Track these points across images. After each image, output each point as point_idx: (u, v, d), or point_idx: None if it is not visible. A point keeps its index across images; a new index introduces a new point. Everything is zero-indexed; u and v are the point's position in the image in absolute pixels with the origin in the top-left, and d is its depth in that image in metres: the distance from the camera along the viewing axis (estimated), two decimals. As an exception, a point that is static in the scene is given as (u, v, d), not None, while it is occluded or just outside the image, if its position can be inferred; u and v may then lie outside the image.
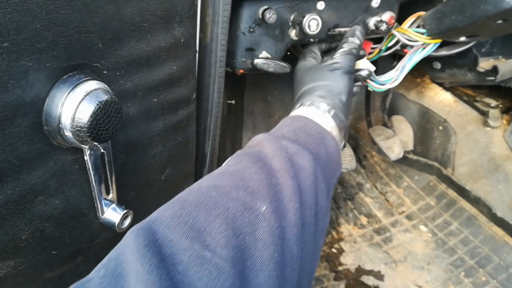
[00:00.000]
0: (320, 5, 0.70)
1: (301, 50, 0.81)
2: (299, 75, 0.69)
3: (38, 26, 0.36)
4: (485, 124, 1.25)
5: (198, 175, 0.68)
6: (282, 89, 1.18)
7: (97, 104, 0.40)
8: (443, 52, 0.91)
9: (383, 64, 1.12)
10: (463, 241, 1.21)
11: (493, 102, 1.24)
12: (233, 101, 0.90)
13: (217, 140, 0.67)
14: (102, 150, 0.47)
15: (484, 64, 1.00)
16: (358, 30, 0.71)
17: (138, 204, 0.56)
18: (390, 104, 1.46)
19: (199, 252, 0.32)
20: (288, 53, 0.78)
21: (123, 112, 0.47)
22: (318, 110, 0.58)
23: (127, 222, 0.52)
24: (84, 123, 0.40)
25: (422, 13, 0.81)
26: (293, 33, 0.71)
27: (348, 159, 1.16)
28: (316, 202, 0.45)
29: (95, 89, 0.41)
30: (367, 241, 1.27)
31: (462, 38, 0.82)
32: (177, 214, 0.35)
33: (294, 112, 0.60)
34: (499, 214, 1.15)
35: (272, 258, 0.35)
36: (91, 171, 0.47)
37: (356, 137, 1.53)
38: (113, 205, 0.51)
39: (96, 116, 0.40)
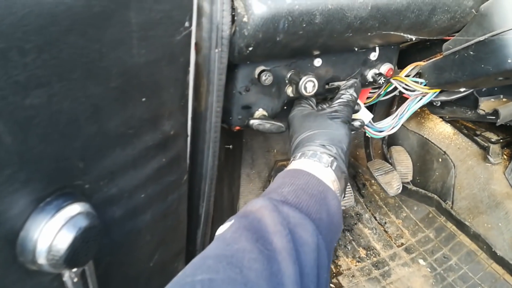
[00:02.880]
0: (317, 62, 0.69)
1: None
2: (297, 122, 0.67)
3: (9, 171, 0.33)
4: (485, 159, 1.23)
5: (191, 236, 0.67)
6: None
7: (76, 232, 0.37)
8: (443, 98, 0.90)
9: (381, 108, 1.11)
10: (462, 277, 1.20)
11: (493, 137, 1.23)
12: (230, 146, 0.89)
13: (211, 201, 0.65)
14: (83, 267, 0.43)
15: (485, 105, 0.98)
16: (356, 83, 0.70)
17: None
18: (389, 134, 1.45)
19: None
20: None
21: (108, 216, 0.44)
22: (319, 163, 0.57)
23: None
24: (61, 254, 0.37)
25: (421, 63, 0.80)
26: (289, 90, 0.70)
27: (347, 195, 1.15)
28: (318, 279, 0.43)
29: (73, 216, 0.38)
30: (365, 275, 1.26)
31: (462, 89, 0.81)
32: None
33: (296, 163, 0.59)
34: (499, 253, 1.14)
35: None
36: (71, 288, 0.44)
37: (356, 164, 1.52)
38: None
39: (74, 246, 0.37)
